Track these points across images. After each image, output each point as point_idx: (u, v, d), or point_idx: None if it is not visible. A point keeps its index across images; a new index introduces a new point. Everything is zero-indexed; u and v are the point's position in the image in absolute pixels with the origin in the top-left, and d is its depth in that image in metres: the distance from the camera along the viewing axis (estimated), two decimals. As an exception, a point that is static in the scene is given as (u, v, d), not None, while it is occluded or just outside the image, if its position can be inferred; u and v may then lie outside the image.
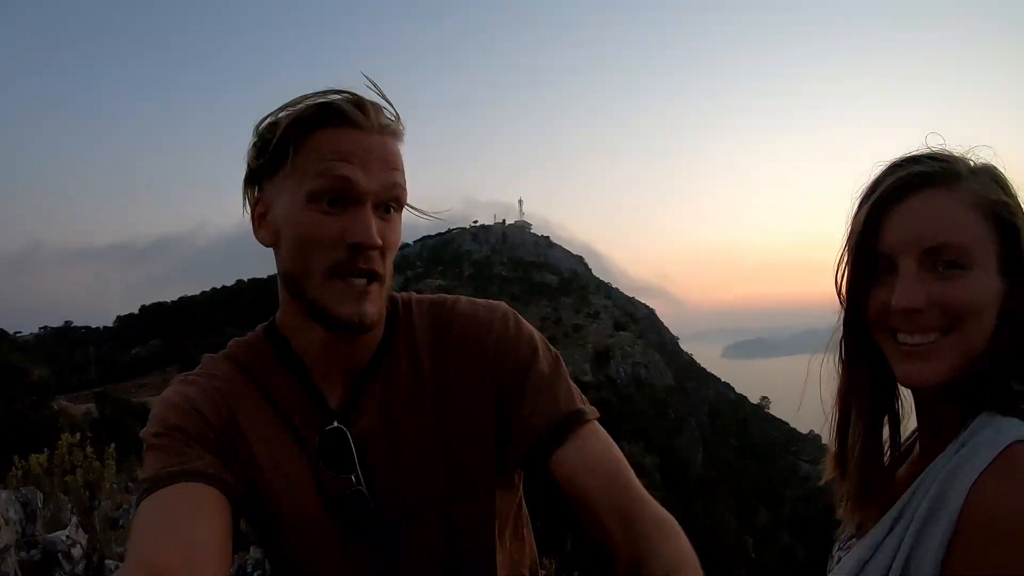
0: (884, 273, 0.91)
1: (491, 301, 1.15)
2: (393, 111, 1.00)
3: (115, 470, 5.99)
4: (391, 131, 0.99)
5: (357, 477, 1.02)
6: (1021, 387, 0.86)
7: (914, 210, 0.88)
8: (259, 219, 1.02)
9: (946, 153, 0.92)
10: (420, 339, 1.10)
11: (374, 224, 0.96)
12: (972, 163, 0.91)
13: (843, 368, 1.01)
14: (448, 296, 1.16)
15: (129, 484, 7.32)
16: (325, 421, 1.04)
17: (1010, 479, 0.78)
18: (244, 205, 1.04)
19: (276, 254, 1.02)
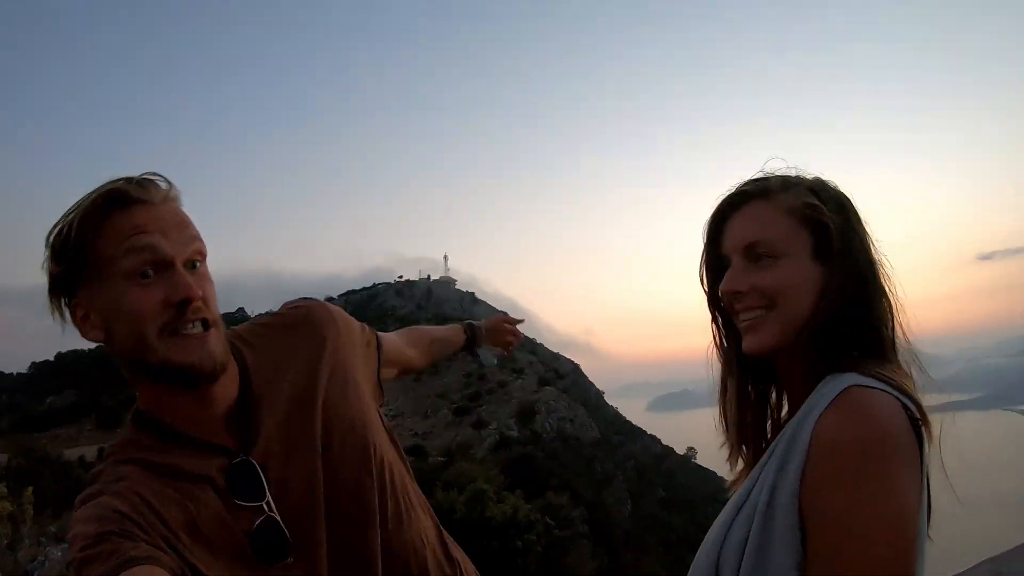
0: (726, 269, 1.15)
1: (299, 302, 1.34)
2: (165, 180, 1.08)
3: (32, 517, 5.60)
4: (172, 198, 1.08)
5: (269, 504, 1.09)
6: (859, 355, 1.06)
7: (738, 219, 1.14)
8: (83, 321, 1.06)
9: (766, 174, 1.17)
10: (270, 355, 1.22)
11: (190, 279, 1.04)
12: (793, 178, 1.15)
13: (715, 346, 1.25)
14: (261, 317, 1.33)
15: (41, 539, 6.85)
16: (227, 463, 1.10)
17: (845, 410, 0.97)
18: (57, 317, 1.08)
19: (110, 345, 1.07)
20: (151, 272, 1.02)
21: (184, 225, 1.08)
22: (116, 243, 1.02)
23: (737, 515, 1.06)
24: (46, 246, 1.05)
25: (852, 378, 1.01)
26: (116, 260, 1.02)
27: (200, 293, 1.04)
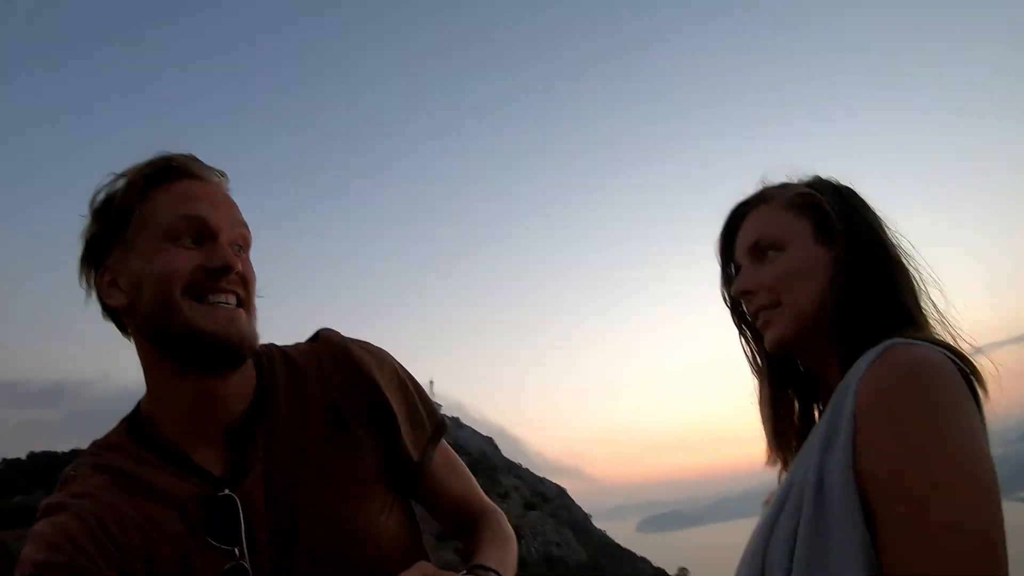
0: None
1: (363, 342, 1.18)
2: (221, 171, 1.05)
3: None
4: (225, 181, 1.05)
5: (242, 551, 0.97)
6: (894, 329, 0.99)
7: (743, 229, 1.15)
8: (109, 286, 1.00)
9: (764, 183, 1.18)
10: (309, 382, 1.09)
11: (232, 253, 0.99)
12: (788, 182, 1.16)
13: (747, 359, 1.22)
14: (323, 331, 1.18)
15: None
16: (209, 491, 0.98)
17: (887, 364, 0.91)
18: (84, 284, 1.02)
19: (131, 316, 1.00)
20: (192, 239, 0.98)
21: (234, 208, 1.04)
22: (164, 208, 0.98)
23: (782, 510, 0.96)
24: (88, 210, 1.01)
25: (889, 342, 0.95)
26: (160, 222, 0.97)
27: (239, 265, 0.99)
